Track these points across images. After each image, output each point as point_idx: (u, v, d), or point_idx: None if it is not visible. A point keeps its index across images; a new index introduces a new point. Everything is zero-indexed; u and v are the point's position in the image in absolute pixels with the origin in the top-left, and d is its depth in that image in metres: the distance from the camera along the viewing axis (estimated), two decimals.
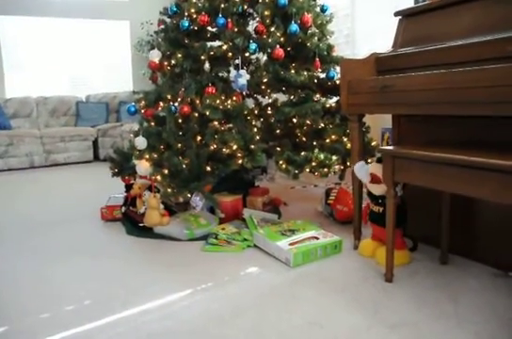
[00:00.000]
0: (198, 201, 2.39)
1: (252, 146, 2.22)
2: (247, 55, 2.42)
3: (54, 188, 3.85)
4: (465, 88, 1.40)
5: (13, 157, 5.05)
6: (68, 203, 3.15)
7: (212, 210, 2.46)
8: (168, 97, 2.46)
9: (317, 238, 1.98)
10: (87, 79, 6.39)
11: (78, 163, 5.36)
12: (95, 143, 5.53)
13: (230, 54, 2.41)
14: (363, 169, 1.88)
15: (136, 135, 2.44)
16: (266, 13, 2.40)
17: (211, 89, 2.30)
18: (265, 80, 2.38)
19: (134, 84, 6.48)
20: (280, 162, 2.28)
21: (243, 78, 2.27)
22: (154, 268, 1.88)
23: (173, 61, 2.48)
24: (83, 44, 6.23)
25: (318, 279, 1.72)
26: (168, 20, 2.69)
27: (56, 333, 1.37)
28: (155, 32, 2.74)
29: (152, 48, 2.60)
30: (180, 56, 2.44)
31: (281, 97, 2.63)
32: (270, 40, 2.34)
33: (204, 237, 2.19)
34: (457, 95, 1.42)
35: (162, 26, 2.69)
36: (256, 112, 2.52)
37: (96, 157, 5.55)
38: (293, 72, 2.44)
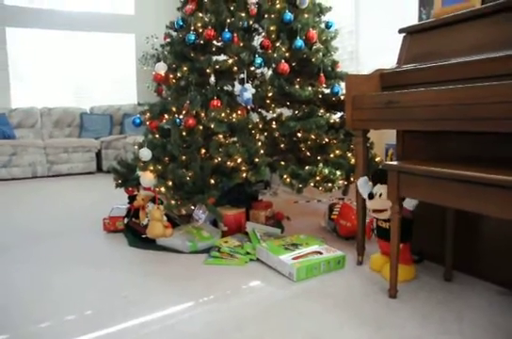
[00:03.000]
0: (200, 213, 2.40)
1: (257, 159, 2.23)
2: (252, 69, 2.45)
3: (56, 199, 3.85)
4: (471, 104, 1.41)
5: (16, 167, 5.07)
6: (70, 214, 3.15)
7: (214, 223, 2.45)
8: (173, 109, 2.48)
9: (321, 253, 1.97)
10: (91, 91, 6.45)
11: (81, 174, 5.38)
12: (98, 155, 5.55)
13: (235, 68, 2.44)
14: (367, 186, 1.89)
15: (141, 146, 2.45)
16: (272, 28, 2.44)
17: (216, 103, 2.32)
18: (270, 94, 2.40)
19: (138, 96, 6.53)
20: (285, 176, 2.28)
21: (248, 92, 2.29)
22: (156, 280, 1.87)
23: (179, 74, 2.50)
24: (88, 57, 6.31)
25: (321, 294, 1.71)
26: (174, 33, 2.74)
27: None
28: (162, 45, 2.78)
29: (159, 61, 2.63)
30: (185, 69, 2.47)
31: (286, 112, 2.65)
32: (275, 55, 2.38)
33: (207, 250, 2.18)
34: (463, 111, 1.43)
35: (168, 40, 2.73)
36: (260, 126, 2.53)
37: (99, 169, 5.56)
38: (297, 86, 2.47)
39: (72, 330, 1.45)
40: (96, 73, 6.37)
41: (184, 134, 2.41)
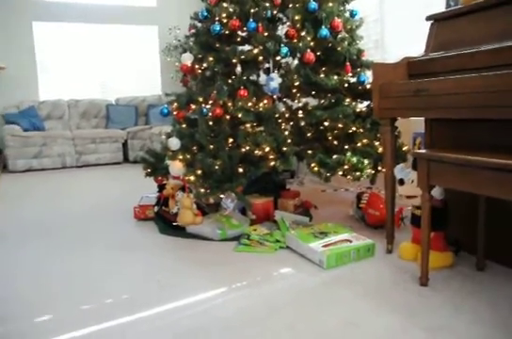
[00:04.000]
0: (229, 202, 2.44)
1: (284, 148, 2.25)
2: (277, 58, 2.45)
3: (85, 188, 3.95)
4: (502, 91, 1.40)
5: (47, 157, 5.21)
6: (101, 203, 3.24)
7: (243, 211, 2.49)
8: (200, 99, 2.51)
9: (350, 241, 1.99)
10: (116, 83, 6.55)
11: (108, 164, 5.48)
12: (125, 145, 5.64)
13: (260, 57, 2.45)
14: (404, 172, 1.90)
15: (169, 136, 2.49)
16: (297, 18, 2.44)
17: (243, 92, 2.34)
18: (297, 84, 2.41)
19: (162, 87, 6.59)
20: (312, 164, 2.29)
21: (275, 82, 2.30)
22: (188, 266, 1.92)
23: (205, 65, 2.53)
24: (113, 49, 6.39)
25: (351, 281, 1.73)
26: (198, 24, 2.75)
27: (95, 324, 1.43)
28: (186, 36, 2.80)
29: (184, 51, 2.66)
30: (211, 59, 2.49)
31: (311, 101, 2.65)
32: (301, 45, 2.37)
33: (236, 238, 2.23)
34: (496, 99, 1.42)
35: (193, 31, 2.75)
36: (287, 115, 2.54)
37: (125, 159, 5.66)
38: (323, 76, 2.46)
39: (111, 312, 1.51)
40: (121, 65, 6.45)
41: (211, 123, 2.44)
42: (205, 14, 2.64)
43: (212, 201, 2.52)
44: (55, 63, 6.17)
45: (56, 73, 6.21)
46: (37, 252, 2.15)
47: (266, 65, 2.55)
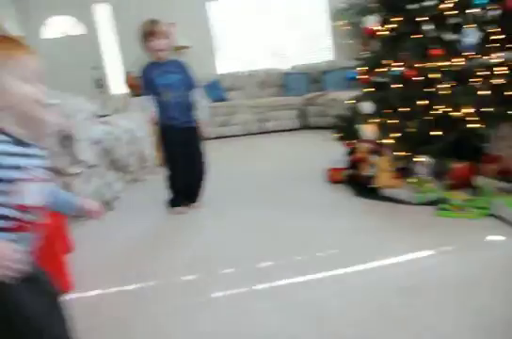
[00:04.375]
0: (423, 166, 2.37)
1: (485, 109, 2.09)
2: (471, 11, 2.23)
3: (271, 152, 4.25)
4: None
5: (232, 125, 5.71)
6: (288, 165, 3.44)
7: (438, 176, 2.40)
8: (388, 62, 2.44)
9: None
10: (288, 51, 6.73)
11: (286, 130, 5.74)
12: (302, 112, 5.82)
13: (451, 12, 2.26)
14: None
15: (358, 100, 2.50)
16: None
17: (436, 51, 2.21)
18: (495, 37, 2.16)
19: (335, 53, 6.54)
20: None
21: (470, 37, 2.12)
22: (389, 228, 1.96)
23: (390, 26, 2.43)
24: (283, 17, 6.54)
25: None
26: None
27: (312, 273, 1.57)
28: None
29: (363, 14, 2.59)
30: (397, 19, 2.39)
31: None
32: None
33: (433, 203, 2.17)
34: None
35: None
36: (483, 73, 2.32)
37: (303, 125, 5.84)
38: None
39: (325, 264, 1.65)
40: (292, 33, 6.59)
41: (402, 85, 2.38)
42: None
43: (405, 164, 2.49)
44: (230, 37, 6.62)
45: (232, 47, 6.67)
46: (245, 211, 2.41)
47: (457, 20, 2.34)
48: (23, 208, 0.84)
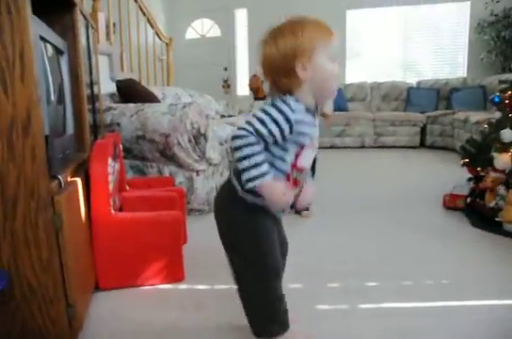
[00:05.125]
0: None
1: None
2: None
3: (385, 169, 4.16)
4: None
5: (348, 137, 5.68)
6: (402, 185, 3.35)
7: None
8: None
9: None
10: (417, 65, 6.52)
11: (405, 147, 5.57)
12: (423, 129, 5.60)
13: None
14: None
15: (499, 127, 2.36)
16: None
17: None
18: None
19: (468, 70, 6.19)
20: None
21: None
22: (505, 265, 1.83)
23: None
24: (417, 30, 6.39)
25: None
26: None
27: (417, 301, 1.53)
28: None
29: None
30: None
31: None
32: None
33: None
34: None
35: None
36: None
37: (422, 143, 5.62)
38: None
39: (431, 293, 1.60)
40: (423, 46, 6.37)
41: None
42: None
43: None
44: (362, 47, 6.57)
45: (362, 57, 6.62)
46: (353, 225, 2.42)
47: None
48: (298, 169, 1.08)
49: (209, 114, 4.00)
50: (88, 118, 1.74)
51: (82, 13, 1.74)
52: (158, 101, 3.16)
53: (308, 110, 1.05)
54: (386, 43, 6.49)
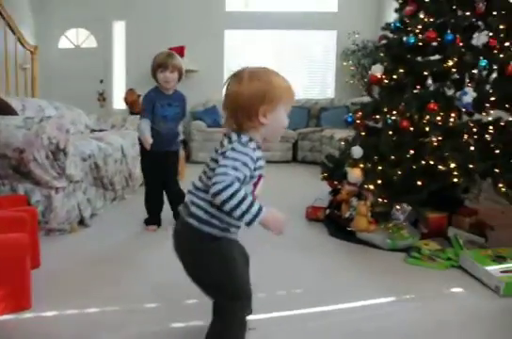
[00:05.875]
0: (400, 213, 2.44)
1: (471, 166, 2.17)
2: (473, 71, 2.35)
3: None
4: None
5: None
6: (266, 198, 3.42)
7: (413, 224, 2.47)
8: (386, 110, 2.53)
9: None
10: (293, 84, 6.89)
11: (278, 162, 5.82)
12: (294, 145, 5.92)
13: (454, 70, 2.38)
14: None
15: (349, 143, 2.59)
16: (501, 27, 2.31)
17: (433, 106, 2.30)
18: (492, 98, 2.28)
19: (335, 92, 6.71)
20: (500, 185, 2.17)
21: (468, 96, 2.23)
22: (357, 271, 2.00)
23: (395, 76, 2.55)
24: (290, 52, 6.78)
25: None
26: (390, 35, 2.77)
27: (272, 311, 1.60)
28: (376, 47, 2.87)
29: (374, 63, 2.72)
30: (402, 71, 2.51)
31: (504, 116, 2.48)
32: (503, 56, 2.25)
33: (404, 249, 2.23)
34: None
35: (384, 41, 2.78)
36: (474, 130, 2.43)
37: (294, 158, 5.93)
38: None
39: (285, 303, 1.68)
40: (296, 68, 6.77)
41: (395, 134, 2.45)
42: (398, 25, 2.67)
43: (382, 210, 2.55)
44: (239, 66, 6.77)
45: None
46: None
47: (456, 76, 2.47)
48: (255, 197, 1.14)
49: (77, 128, 3.80)
50: None
51: None
52: (16, 113, 2.91)
53: (259, 147, 1.15)
54: (261, 63, 6.76)
